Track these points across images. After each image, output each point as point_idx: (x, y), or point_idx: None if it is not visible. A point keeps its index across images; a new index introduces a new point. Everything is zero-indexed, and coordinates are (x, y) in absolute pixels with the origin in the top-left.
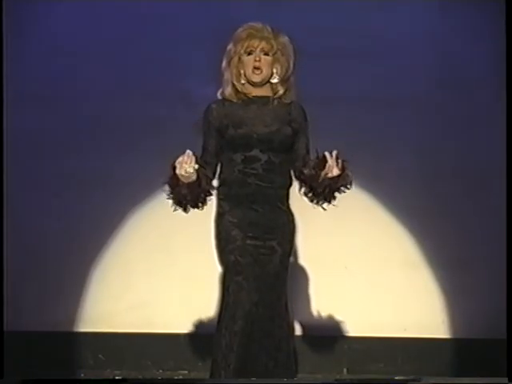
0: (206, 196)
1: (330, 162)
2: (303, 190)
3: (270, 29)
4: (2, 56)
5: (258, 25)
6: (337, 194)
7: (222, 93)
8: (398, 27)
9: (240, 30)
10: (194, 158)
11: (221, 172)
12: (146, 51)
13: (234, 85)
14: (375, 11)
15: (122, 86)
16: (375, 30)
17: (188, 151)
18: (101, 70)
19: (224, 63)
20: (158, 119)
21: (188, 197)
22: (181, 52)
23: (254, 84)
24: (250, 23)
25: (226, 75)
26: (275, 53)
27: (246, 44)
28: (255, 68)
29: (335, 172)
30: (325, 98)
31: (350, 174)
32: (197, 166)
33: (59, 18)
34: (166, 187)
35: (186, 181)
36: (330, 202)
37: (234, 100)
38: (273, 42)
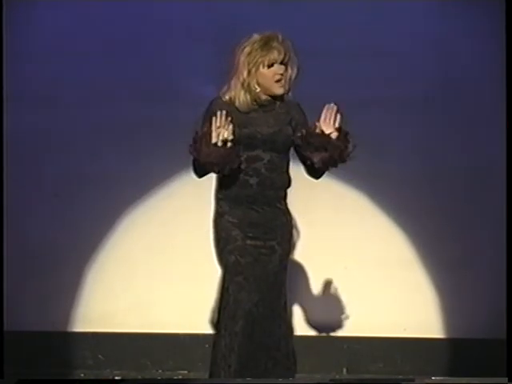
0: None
1: (327, 113)
2: (302, 156)
3: (280, 36)
4: (2, 56)
5: (270, 34)
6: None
7: (231, 97)
8: (398, 27)
9: (254, 40)
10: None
11: None
12: (146, 51)
13: (251, 94)
14: (375, 11)
15: (121, 85)
16: (375, 30)
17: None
18: (100, 70)
19: (242, 71)
20: (158, 119)
21: (218, 166)
22: (181, 52)
23: (275, 96)
24: (266, 33)
25: (245, 84)
26: (287, 61)
27: (267, 57)
28: (278, 81)
29: (331, 127)
30: (324, 98)
31: (348, 142)
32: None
33: (59, 18)
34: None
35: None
36: (327, 167)
37: (246, 108)
38: (285, 50)
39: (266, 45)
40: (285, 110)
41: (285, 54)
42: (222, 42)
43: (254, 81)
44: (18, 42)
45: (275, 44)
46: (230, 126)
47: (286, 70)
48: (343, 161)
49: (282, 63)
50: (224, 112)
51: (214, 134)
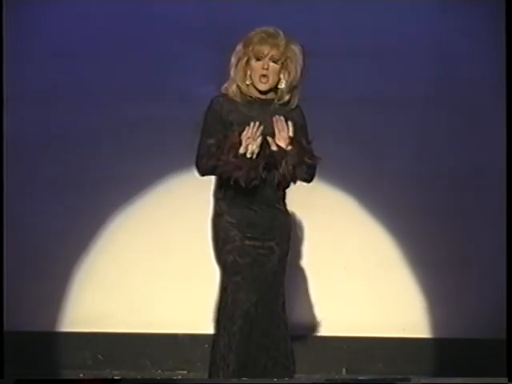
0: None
1: (277, 125)
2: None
3: (282, 35)
4: (2, 56)
5: (272, 30)
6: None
7: (227, 89)
8: (398, 27)
9: (253, 32)
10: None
11: None
12: (146, 51)
13: (238, 85)
14: (375, 11)
15: (121, 85)
16: (375, 30)
17: (256, 123)
18: (101, 70)
19: (232, 62)
20: (158, 119)
21: (243, 178)
22: (181, 52)
23: (259, 91)
24: (265, 27)
25: (232, 74)
26: (285, 60)
27: (256, 49)
28: (262, 76)
29: (285, 139)
30: (324, 98)
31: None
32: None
33: (59, 18)
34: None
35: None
36: (290, 179)
37: (238, 99)
38: (283, 49)
39: (262, 38)
40: (286, 111)
41: (277, 51)
42: (222, 42)
43: (248, 72)
44: (17, 41)
45: (271, 39)
46: (259, 139)
47: (282, 70)
48: (296, 180)
49: (274, 62)
50: (257, 123)
51: (243, 145)
